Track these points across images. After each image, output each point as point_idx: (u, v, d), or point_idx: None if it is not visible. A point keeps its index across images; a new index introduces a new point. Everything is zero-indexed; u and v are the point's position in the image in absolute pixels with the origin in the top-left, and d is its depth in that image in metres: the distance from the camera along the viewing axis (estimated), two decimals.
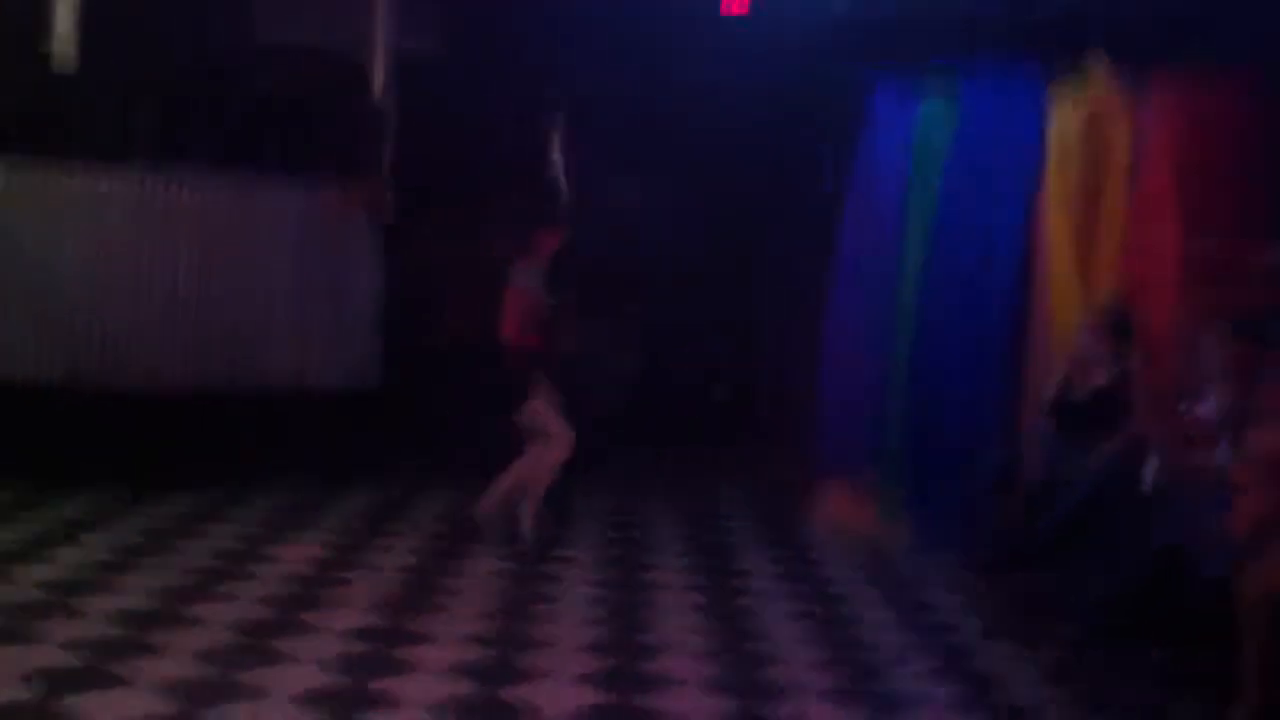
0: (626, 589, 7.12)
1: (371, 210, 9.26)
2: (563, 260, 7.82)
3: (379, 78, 9.47)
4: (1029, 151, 7.84)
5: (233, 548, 7.39)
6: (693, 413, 10.56)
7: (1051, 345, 7.70)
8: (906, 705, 5.58)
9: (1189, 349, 6.59)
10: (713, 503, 9.59)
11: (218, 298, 8.91)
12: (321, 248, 9.15)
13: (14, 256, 8.55)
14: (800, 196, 9.46)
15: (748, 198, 9.90)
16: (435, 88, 9.76)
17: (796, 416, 9.30)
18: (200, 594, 6.46)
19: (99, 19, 8.82)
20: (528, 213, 9.70)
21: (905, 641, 6.43)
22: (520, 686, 5.45)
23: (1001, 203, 7.94)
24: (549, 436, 7.62)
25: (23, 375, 8.49)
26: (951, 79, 8.28)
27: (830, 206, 8.93)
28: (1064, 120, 7.71)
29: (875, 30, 8.48)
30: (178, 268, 8.82)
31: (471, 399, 9.51)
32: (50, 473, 8.32)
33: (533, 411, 7.61)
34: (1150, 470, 6.37)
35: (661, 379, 10.53)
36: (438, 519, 8.43)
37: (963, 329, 8.01)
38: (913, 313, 8.29)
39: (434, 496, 9.00)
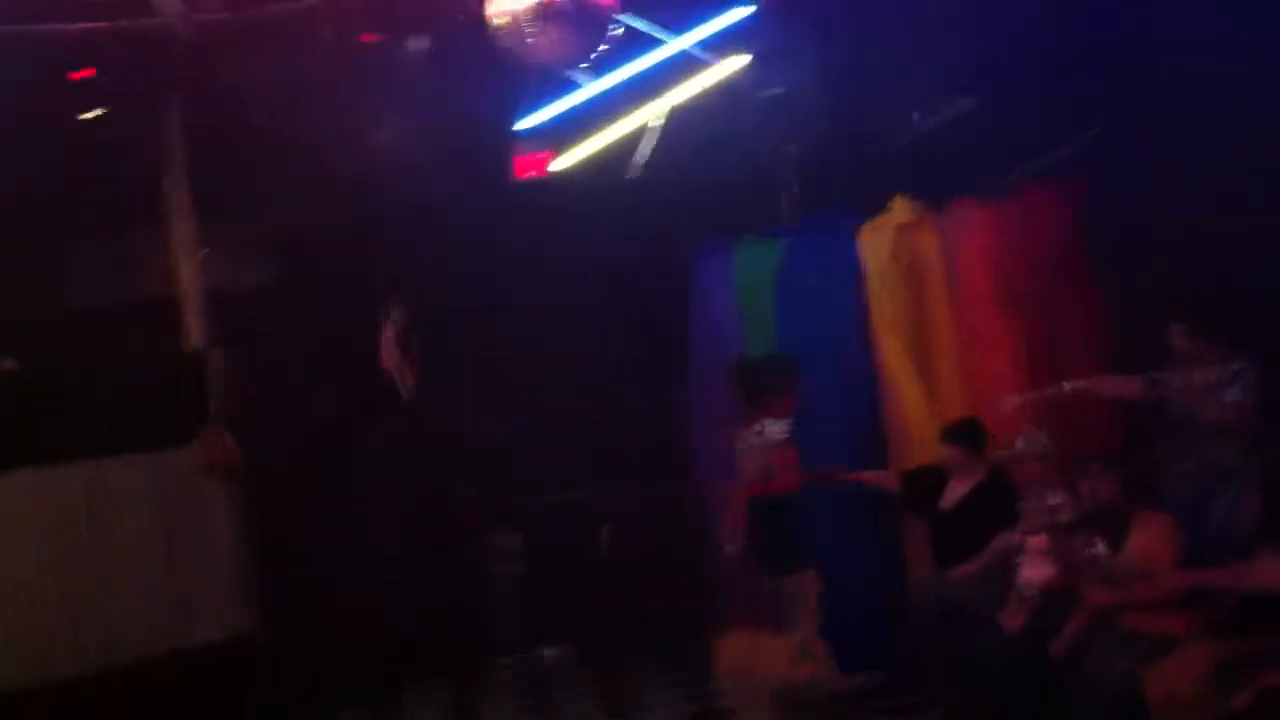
0: None
1: (216, 463, 9.05)
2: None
3: (198, 326, 9.30)
4: (850, 283, 8.11)
5: None
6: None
7: (904, 454, 7.90)
8: None
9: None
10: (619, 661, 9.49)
11: (69, 580, 8.61)
12: (176, 516, 8.91)
13: None
14: (647, 356, 9.54)
15: (593, 362, 9.94)
16: (265, 320, 9.63)
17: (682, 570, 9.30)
18: None
19: None
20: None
21: None
22: None
23: (835, 331, 8.17)
24: None
25: None
26: (766, 230, 8.54)
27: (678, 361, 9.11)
28: (876, 248, 8.01)
29: (686, 191, 8.67)
30: (31, 565, 8.51)
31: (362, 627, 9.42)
32: None
33: None
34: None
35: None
36: None
37: (830, 453, 8.06)
38: None
39: None
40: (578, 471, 10.04)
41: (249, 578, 9.09)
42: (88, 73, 8.68)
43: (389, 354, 10.08)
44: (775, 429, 7.74)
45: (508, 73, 7.78)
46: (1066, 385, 6.74)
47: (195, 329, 9.33)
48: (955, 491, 7.26)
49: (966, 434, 7.21)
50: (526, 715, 8.70)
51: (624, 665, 9.41)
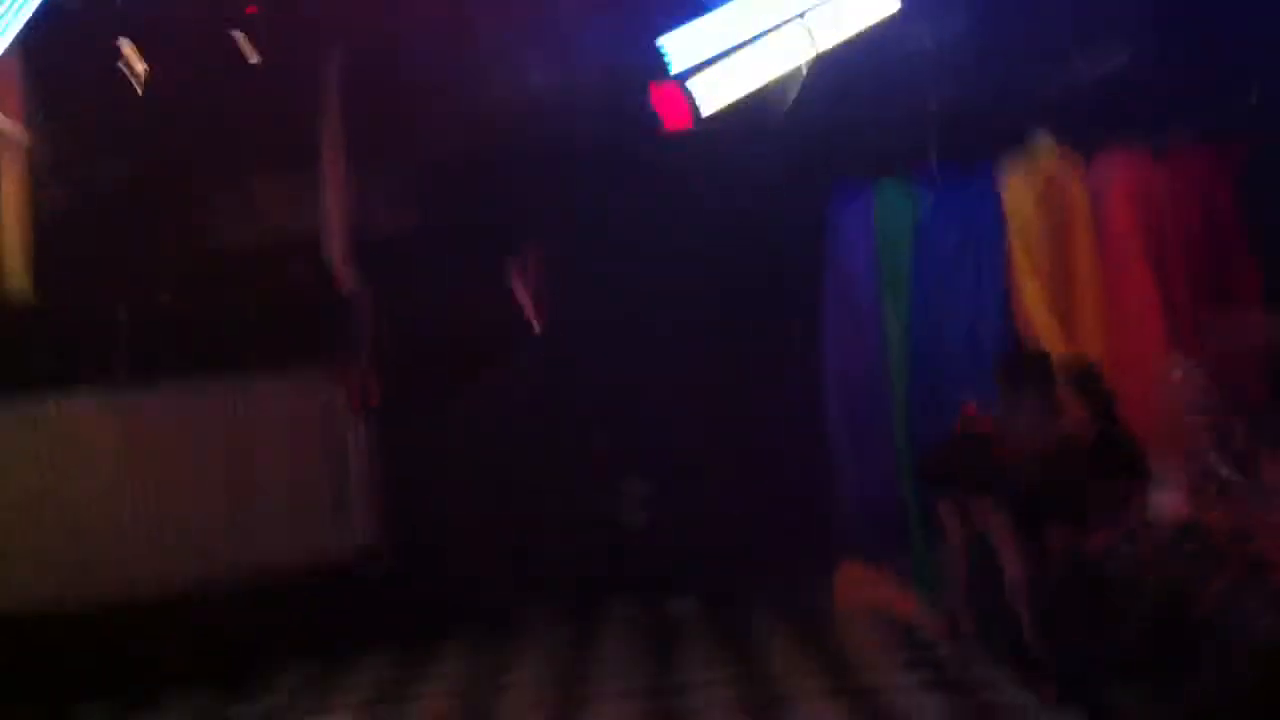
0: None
1: (358, 398, 9.26)
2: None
3: (345, 262, 9.51)
4: (992, 230, 8.01)
5: None
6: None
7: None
8: None
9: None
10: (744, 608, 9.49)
11: (212, 505, 8.87)
12: (312, 444, 9.14)
13: None
14: (777, 308, 9.50)
15: (727, 313, 9.93)
16: (406, 262, 9.80)
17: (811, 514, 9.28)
18: None
19: (51, 244, 8.85)
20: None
21: None
22: None
23: (975, 281, 8.06)
24: None
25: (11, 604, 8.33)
26: (907, 178, 8.47)
27: (809, 313, 9.05)
28: (1022, 195, 7.91)
29: (826, 138, 8.62)
30: (164, 482, 8.77)
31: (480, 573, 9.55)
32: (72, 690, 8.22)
33: None
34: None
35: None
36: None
37: (957, 402, 7.96)
38: (908, 394, 8.34)
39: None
40: (706, 418, 10.03)
41: (380, 503, 9.30)
42: (250, 10, 8.97)
43: (520, 286, 10.22)
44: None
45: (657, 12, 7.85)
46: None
47: (343, 267, 9.56)
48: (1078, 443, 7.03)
49: (1084, 384, 6.93)
50: (647, 658, 8.70)
51: (747, 613, 9.38)
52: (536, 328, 10.08)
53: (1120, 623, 6.37)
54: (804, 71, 7.99)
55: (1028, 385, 6.95)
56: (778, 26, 7.83)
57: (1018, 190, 7.89)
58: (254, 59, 8.84)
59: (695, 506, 10.00)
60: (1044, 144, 7.85)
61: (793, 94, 8.30)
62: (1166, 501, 6.36)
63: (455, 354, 9.89)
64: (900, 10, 7.85)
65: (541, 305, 10.10)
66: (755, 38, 7.93)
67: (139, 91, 8.53)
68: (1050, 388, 6.91)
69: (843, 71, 8.13)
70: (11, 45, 6.99)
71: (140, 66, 8.45)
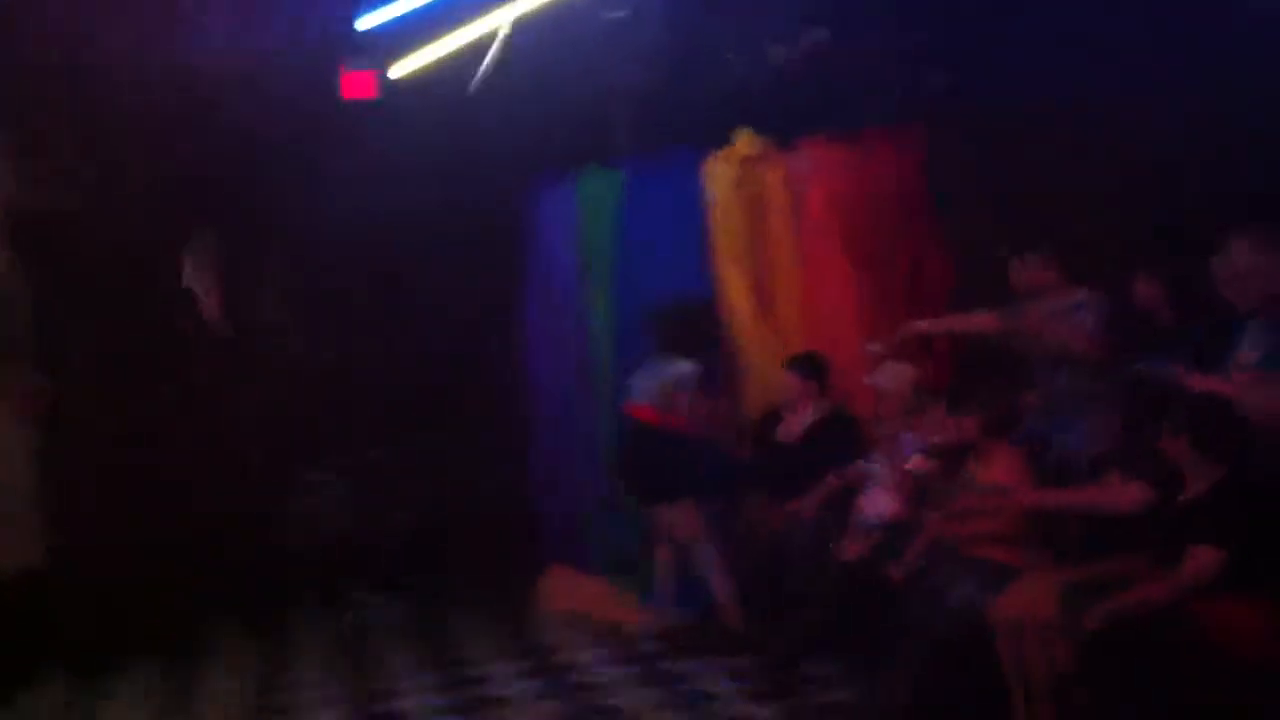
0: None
1: (23, 402, 8.46)
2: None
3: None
4: (693, 213, 7.96)
5: None
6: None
7: (748, 393, 7.80)
8: None
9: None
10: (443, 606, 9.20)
11: None
12: None
13: None
14: (473, 299, 9.24)
15: (423, 298, 9.58)
16: (68, 242, 9.01)
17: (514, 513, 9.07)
18: None
19: None
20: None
21: None
22: None
23: (677, 267, 7.97)
24: None
25: None
26: (608, 164, 8.35)
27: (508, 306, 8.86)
28: (721, 179, 7.89)
29: (522, 123, 8.38)
30: None
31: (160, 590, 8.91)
32: None
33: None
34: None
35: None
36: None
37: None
38: (612, 383, 8.17)
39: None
40: (404, 409, 9.68)
41: (44, 511, 8.56)
42: None
43: (196, 282, 9.60)
44: (684, 369, 7.41)
45: None
46: (924, 323, 6.74)
47: None
48: (794, 425, 7.17)
49: (808, 365, 7.14)
50: (341, 668, 8.31)
51: (446, 614, 9.10)
52: (213, 319, 9.46)
53: (809, 600, 6.48)
54: (499, 44, 7.70)
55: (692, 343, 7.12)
56: None
57: (717, 177, 7.88)
58: None
59: (394, 507, 9.67)
60: (741, 132, 7.84)
61: (488, 68, 8.03)
62: (876, 498, 6.45)
63: (129, 347, 9.18)
64: None
65: (221, 301, 9.50)
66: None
67: None
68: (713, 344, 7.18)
69: (539, 52, 7.93)
70: None
71: None
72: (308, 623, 9.28)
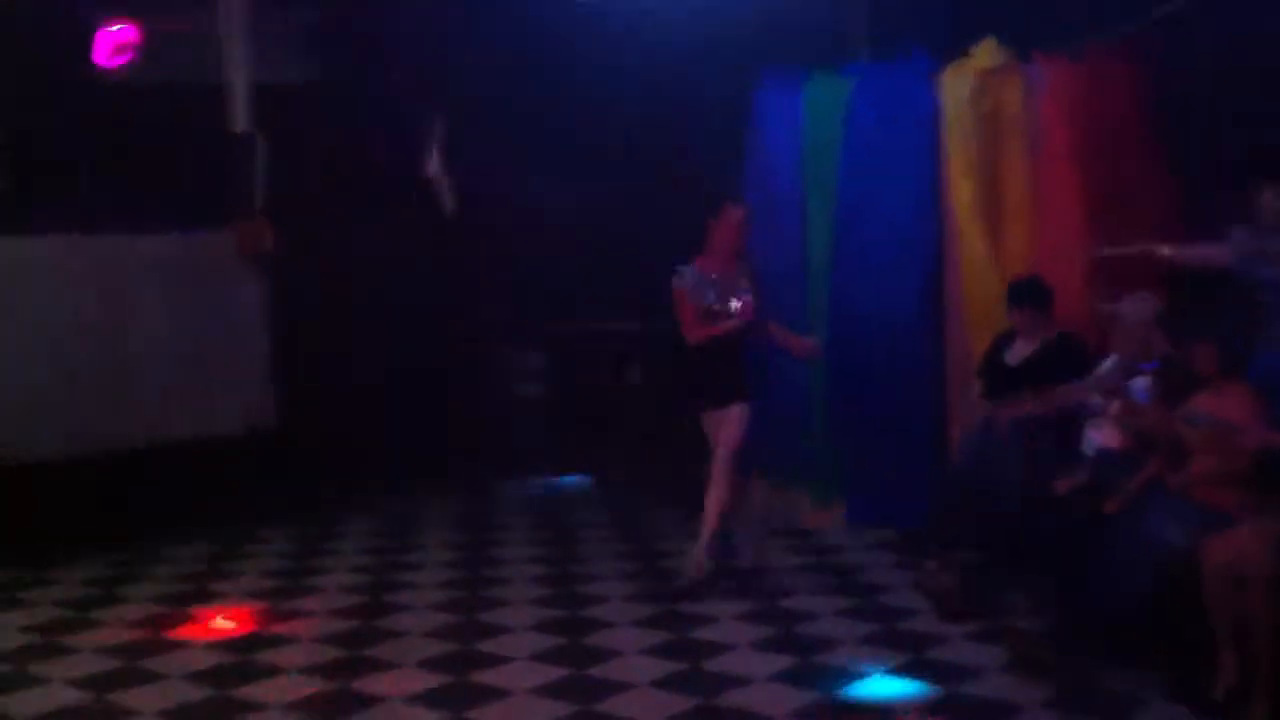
0: (569, 603, 7.03)
1: (250, 249, 8.90)
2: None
3: (242, 111, 9.05)
4: (924, 125, 7.80)
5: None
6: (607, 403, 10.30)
7: (968, 316, 7.68)
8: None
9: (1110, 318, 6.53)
10: (636, 497, 9.42)
11: (97, 355, 8.49)
12: (204, 293, 8.78)
13: None
14: (693, 191, 9.24)
15: (641, 192, 9.67)
16: (306, 116, 9.35)
17: None
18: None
19: None
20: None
21: (865, 633, 6.35)
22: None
23: (904, 178, 7.87)
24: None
25: None
26: (838, 70, 8.20)
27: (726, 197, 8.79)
28: (956, 91, 7.68)
29: (756, 19, 8.31)
30: (51, 329, 8.37)
31: (380, 429, 9.35)
32: None
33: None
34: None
35: (571, 375, 10.31)
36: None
37: (879, 306, 7.94)
38: (828, 296, 8.19)
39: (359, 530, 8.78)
40: (612, 301, 9.84)
41: (274, 368, 9.03)
42: None
43: (433, 164, 9.89)
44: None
45: None
46: (1165, 250, 6.55)
47: (240, 115, 9.11)
48: (1021, 351, 7.04)
49: (1032, 293, 6.97)
50: (539, 532, 8.61)
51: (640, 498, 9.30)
52: (448, 205, 9.74)
53: (1016, 525, 6.41)
54: None
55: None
56: None
57: (954, 87, 7.68)
58: None
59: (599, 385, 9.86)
60: (984, 43, 7.62)
61: None
62: (1098, 429, 6.35)
63: (357, 213, 9.52)
64: None
65: (454, 182, 9.77)
66: None
67: None
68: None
69: None
70: None
71: None
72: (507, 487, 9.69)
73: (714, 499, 7.03)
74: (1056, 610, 6.06)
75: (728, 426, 7.05)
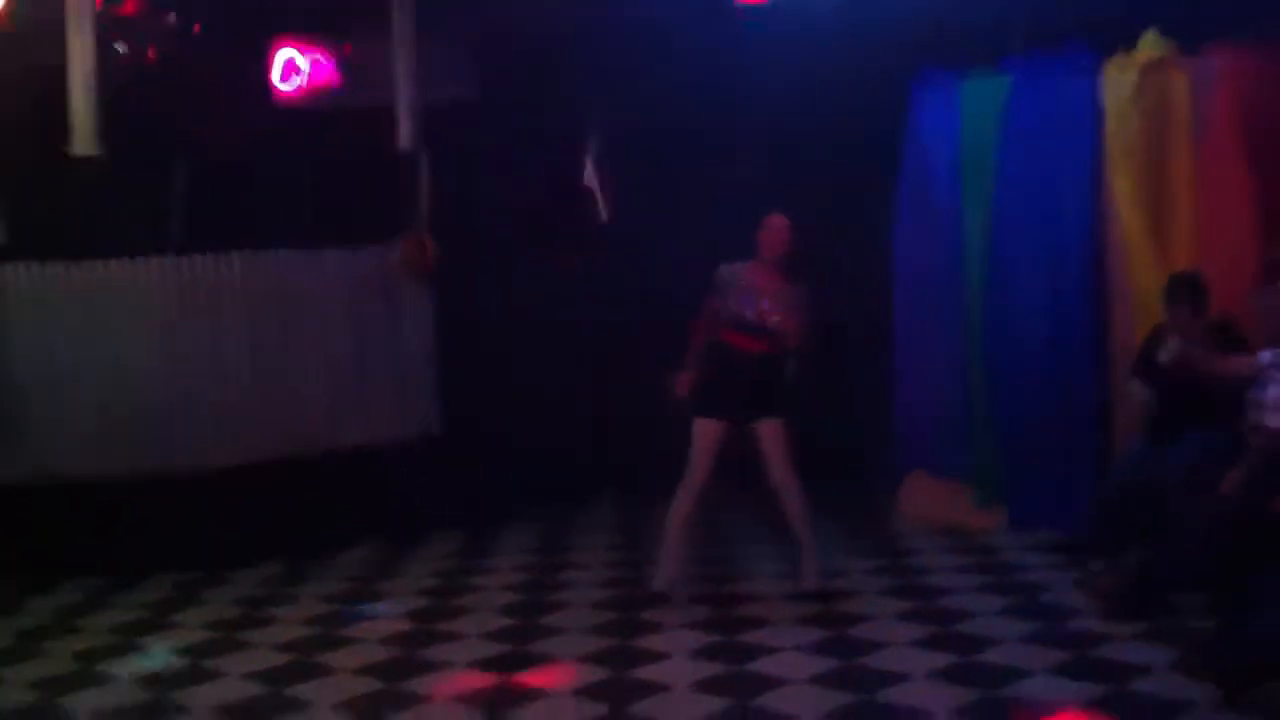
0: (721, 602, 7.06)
1: (415, 264, 9.15)
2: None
3: (408, 130, 9.32)
4: (1084, 122, 7.66)
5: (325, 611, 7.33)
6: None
7: (1131, 312, 7.52)
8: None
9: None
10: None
11: (272, 372, 8.82)
12: (370, 309, 9.08)
13: (53, 357, 8.39)
14: (850, 191, 9.23)
15: (802, 193, 9.66)
16: (467, 133, 9.59)
17: (871, 413, 9.14)
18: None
19: (116, 107, 8.68)
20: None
21: (1026, 631, 6.25)
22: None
23: (1063, 176, 7.74)
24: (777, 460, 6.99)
25: (82, 471, 8.32)
26: (996, 62, 8.12)
27: (881, 199, 8.80)
28: (1118, 86, 7.52)
29: (912, 18, 8.28)
30: (226, 349, 8.71)
31: (537, 439, 9.49)
32: (126, 563, 8.26)
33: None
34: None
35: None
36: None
37: (1039, 305, 7.83)
38: (983, 293, 8.10)
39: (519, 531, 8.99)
40: None
41: (436, 379, 9.26)
42: None
43: (591, 174, 10.05)
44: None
45: None
46: None
47: (406, 133, 9.37)
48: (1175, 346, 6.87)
49: (1187, 290, 6.76)
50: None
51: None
52: (604, 215, 9.88)
53: (1184, 525, 6.25)
54: None
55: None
56: None
57: (1116, 83, 7.52)
58: None
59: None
60: (1148, 35, 7.45)
61: None
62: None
63: (516, 228, 9.72)
64: None
65: (609, 192, 9.91)
66: None
67: None
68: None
69: None
70: None
71: None
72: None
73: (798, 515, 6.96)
74: (1222, 611, 5.91)
75: (773, 444, 6.90)
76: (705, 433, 6.96)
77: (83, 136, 8.24)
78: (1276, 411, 6.06)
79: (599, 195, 10.01)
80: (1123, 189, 7.50)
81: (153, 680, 6.30)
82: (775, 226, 7.06)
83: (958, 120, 8.29)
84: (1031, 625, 6.37)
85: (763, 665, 6.02)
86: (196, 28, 9.27)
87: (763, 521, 7.81)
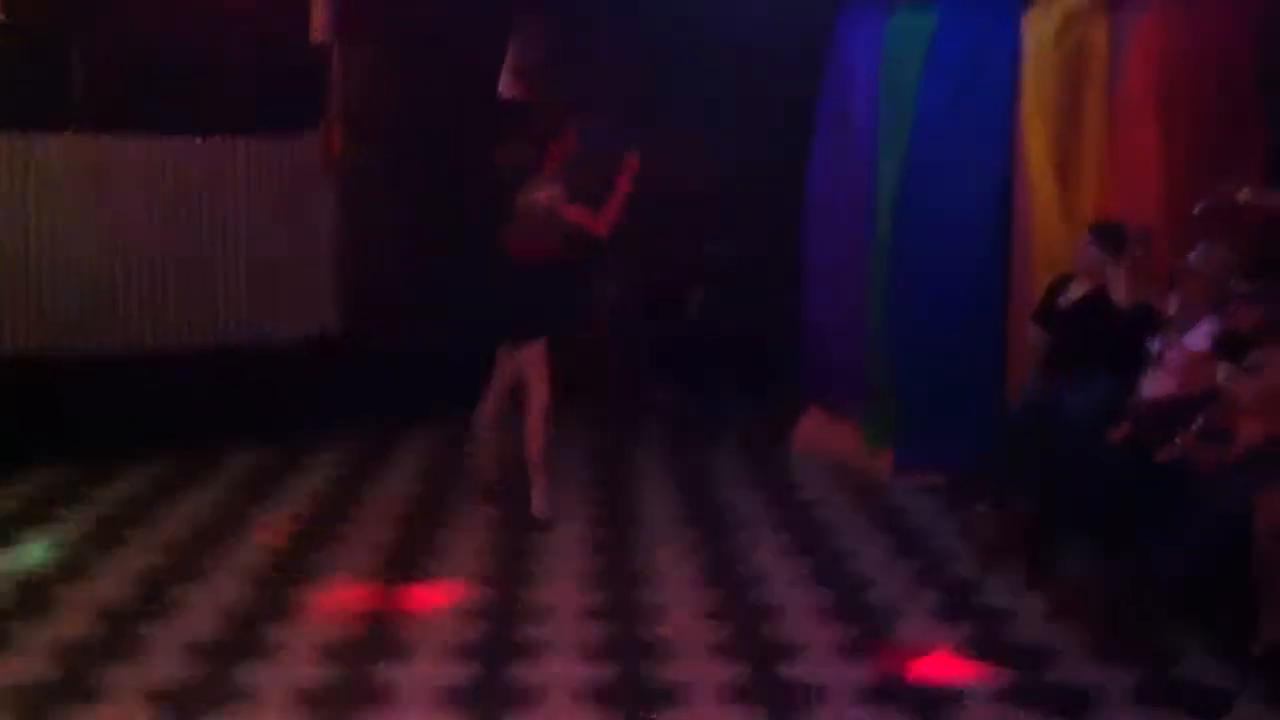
0: (617, 526, 7.10)
1: (325, 154, 8.95)
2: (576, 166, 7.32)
3: (322, 16, 9.05)
4: (1004, 66, 7.62)
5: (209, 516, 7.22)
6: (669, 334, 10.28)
7: (1035, 257, 7.55)
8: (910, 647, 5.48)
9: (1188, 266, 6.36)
10: (695, 431, 9.41)
11: (171, 256, 8.65)
12: (275, 198, 8.88)
13: None
14: (773, 118, 9.16)
15: (719, 118, 9.57)
16: (384, 20, 9.33)
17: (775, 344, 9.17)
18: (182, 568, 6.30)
19: None
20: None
21: (906, 574, 6.34)
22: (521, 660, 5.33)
23: (981, 118, 7.71)
24: (535, 382, 7.11)
25: None
26: (922, 9, 8.04)
27: (799, 124, 8.73)
28: (1040, 31, 7.48)
29: None
30: (126, 228, 8.53)
31: (439, 341, 9.37)
32: (19, 446, 7.99)
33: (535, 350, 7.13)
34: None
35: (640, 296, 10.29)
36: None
37: (946, 245, 7.81)
38: (892, 232, 8.07)
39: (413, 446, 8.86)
40: (683, 227, 9.81)
41: (342, 273, 9.10)
42: None
43: (511, 79, 9.84)
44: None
45: None
46: (1241, 195, 6.38)
47: (321, 21, 9.11)
48: (1076, 292, 6.94)
49: (1109, 234, 6.81)
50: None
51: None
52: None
53: (1081, 473, 6.33)
54: None
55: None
56: None
57: (1038, 26, 7.48)
58: None
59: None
60: None
61: None
62: (1154, 379, 6.24)
63: (431, 123, 9.51)
64: None
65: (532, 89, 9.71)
66: None
67: None
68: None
69: None
70: None
71: None
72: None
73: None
74: (1106, 559, 6.02)
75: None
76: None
77: None
78: (1160, 375, 6.15)
79: (516, 96, 9.79)
80: (1035, 134, 7.48)
81: (27, 575, 6.18)
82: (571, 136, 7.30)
83: (878, 55, 8.21)
84: (912, 565, 6.46)
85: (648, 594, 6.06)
86: None
87: None
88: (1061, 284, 7.03)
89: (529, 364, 7.10)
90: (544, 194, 7.06)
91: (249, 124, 8.86)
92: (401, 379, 9.08)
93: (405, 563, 6.47)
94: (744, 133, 9.25)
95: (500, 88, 9.79)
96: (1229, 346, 5.76)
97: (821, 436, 8.69)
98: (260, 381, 8.70)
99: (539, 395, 7.11)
